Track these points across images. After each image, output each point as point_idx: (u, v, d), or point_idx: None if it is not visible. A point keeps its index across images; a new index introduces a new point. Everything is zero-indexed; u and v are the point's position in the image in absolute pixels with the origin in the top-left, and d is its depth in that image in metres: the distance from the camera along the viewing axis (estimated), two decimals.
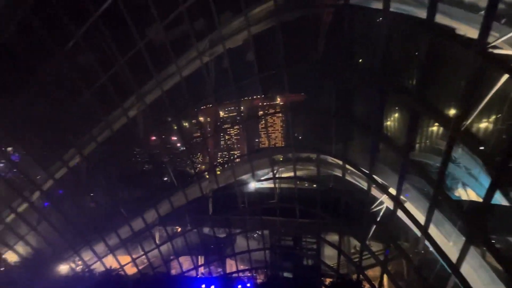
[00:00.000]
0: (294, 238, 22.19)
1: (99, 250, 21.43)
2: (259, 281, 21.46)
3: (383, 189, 13.62)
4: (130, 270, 22.18)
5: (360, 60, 15.31)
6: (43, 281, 18.95)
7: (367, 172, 13.72)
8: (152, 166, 25.03)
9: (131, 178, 24.54)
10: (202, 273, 23.22)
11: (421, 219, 11.61)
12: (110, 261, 21.65)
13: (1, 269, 19.25)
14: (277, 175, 19.44)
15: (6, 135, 18.12)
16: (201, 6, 14.57)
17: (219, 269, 23.74)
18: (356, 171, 14.81)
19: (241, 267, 23.36)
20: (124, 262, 21.98)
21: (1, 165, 19.89)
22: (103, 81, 16.64)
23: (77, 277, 20.73)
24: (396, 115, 19.32)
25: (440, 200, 10.40)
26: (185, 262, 23.65)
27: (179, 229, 23.13)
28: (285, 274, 22.32)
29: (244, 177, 20.07)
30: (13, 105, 17.24)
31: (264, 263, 22.07)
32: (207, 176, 21.11)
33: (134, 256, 21.89)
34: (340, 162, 15.54)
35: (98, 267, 21.51)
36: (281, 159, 19.76)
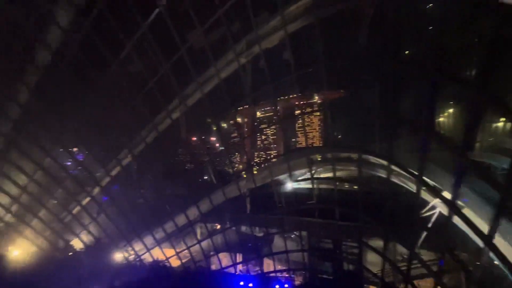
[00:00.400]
0: (333, 241, 21.34)
1: (148, 242, 23.32)
2: (297, 282, 21.13)
3: (436, 193, 12.33)
4: (174, 262, 23.73)
5: (407, 52, 14.09)
6: (102, 266, 21.34)
7: (417, 173, 12.54)
8: (193, 165, 26.36)
9: (174, 176, 26.20)
10: (240, 270, 23.73)
11: (484, 227, 10.22)
12: (157, 253, 23.43)
13: (70, 253, 22.12)
14: (315, 176, 18.93)
15: (73, 138, 20.79)
16: (237, 9, 14.91)
17: (257, 268, 23.98)
18: (403, 172, 13.65)
19: (279, 267, 23.27)
20: (169, 255, 23.59)
21: (69, 163, 22.86)
22: (150, 86, 18.05)
23: (130, 265, 22.93)
24: (451, 110, 17.27)
25: (509, 207, 9.02)
26: (224, 259, 24.42)
27: (219, 227, 23.97)
28: (324, 278, 21.62)
29: (281, 177, 19.97)
30: (77, 112, 19.69)
31: (302, 264, 21.67)
32: (245, 176, 21.51)
33: (177, 250, 23.34)
34: (385, 163, 14.48)
35: (147, 257, 23.46)
36: (319, 159, 19.21)
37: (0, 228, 23.64)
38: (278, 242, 22.87)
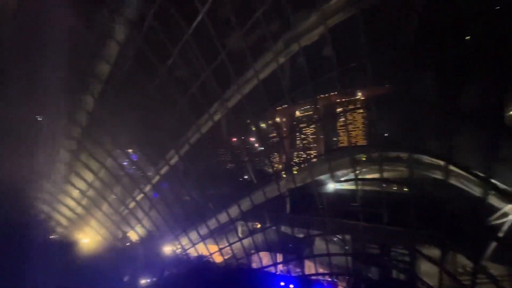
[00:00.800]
0: (381, 246, 19.91)
1: (193, 237, 24.75)
2: (340, 287, 20.26)
3: (508, 198, 10.65)
4: (217, 258, 24.75)
5: (468, 37, 12.44)
6: (153, 257, 23.33)
7: (483, 175, 11.00)
8: (234, 165, 27.10)
9: (216, 176, 27.30)
10: (281, 271, 23.66)
11: None
12: (201, 248, 24.71)
13: (127, 244, 24.65)
14: (359, 176, 17.91)
15: (128, 140, 23.12)
16: (275, 8, 14.89)
17: (298, 269, 23.63)
18: (465, 174, 12.09)
19: (321, 270, 22.57)
20: (212, 251, 24.67)
21: (125, 163, 25.46)
22: (193, 90, 19.13)
23: (177, 258, 24.64)
24: None
25: None
26: (265, 258, 24.61)
27: (259, 225, 24.26)
28: (371, 285, 20.31)
29: (322, 177, 19.35)
30: (131, 117, 21.81)
31: (346, 269, 20.70)
32: (284, 176, 21.38)
33: (220, 246, 24.29)
34: (442, 163, 13.02)
35: (192, 252, 24.92)
36: (363, 158, 18.13)
37: (73, 218, 27.47)
38: (319, 244, 22.20)
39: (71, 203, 26.65)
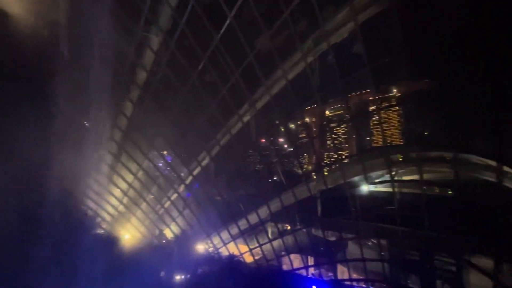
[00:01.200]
0: (422, 254, 18.49)
1: (224, 236, 25.32)
2: None
3: None
4: (248, 258, 25.00)
5: None
6: (187, 254, 24.32)
7: None
8: (263, 166, 27.19)
9: (246, 177, 27.64)
10: (312, 274, 23.16)
11: None
12: (232, 248, 25.17)
13: (163, 241, 26.03)
14: (396, 178, 16.87)
15: (163, 142, 24.45)
16: (302, 7, 14.70)
17: (330, 273, 22.93)
18: None
19: (354, 275, 21.63)
20: (243, 251, 24.99)
21: (161, 164, 26.94)
22: (223, 93, 19.62)
23: (209, 256, 25.40)
24: None
25: None
26: (295, 260, 24.27)
27: (289, 227, 24.03)
28: None
29: (355, 178, 18.58)
30: (165, 120, 23.01)
31: (382, 276, 19.58)
32: (314, 177, 20.92)
33: (251, 247, 24.51)
34: (493, 163, 11.74)
35: (223, 251, 25.50)
36: (400, 159, 17.05)
37: (115, 215, 29.77)
38: (353, 249, 21.32)
39: (114, 202, 28.90)
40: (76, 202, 23.40)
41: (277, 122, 21.00)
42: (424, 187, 15.60)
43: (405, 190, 18.08)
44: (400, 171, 17.18)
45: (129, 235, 29.07)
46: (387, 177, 17.10)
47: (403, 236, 17.86)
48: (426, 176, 15.28)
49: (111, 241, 24.78)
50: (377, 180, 18.59)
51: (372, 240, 21.44)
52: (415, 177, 15.87)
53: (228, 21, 16.44)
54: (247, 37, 17.07)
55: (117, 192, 27.99)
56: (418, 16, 12.96)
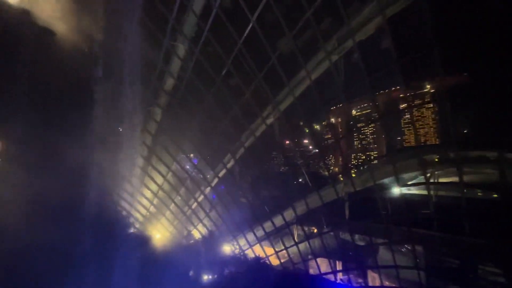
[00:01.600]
0: (463, 262, 17.02)
1: (250, 238, 25.46)
2: None
3: None
4: (274, 261, 24.86)
5: None
6: (214, 255, 24.81)
7: None
8: (288, 168, 26.99)
9: (271, 179, 27.63)
10: (340, 279, 22.39)
11: None
12: (258, 250, 25.20)
13: (191, 241, 26.83)
14: (431, 180, 15.78)
15: (190, 145, 25.32)
16: (326, 5, 14.40)
17: (360, 280, 21.98)
18: None
19: (387, 283, 20.51)
20: (269, 253, 24.90)
21: (188, 167, 27.85)
22: (246, 96, 19.84)
23: (236, 258, 25.67)
24: None
25: None
26: (323, 264, 23.64)
27: (315, 230, 23.51)
28: None
29: (386, 180, 17.69)
30: (192, 124, 23.83)
31: (418, 285, 18.35)
32: (342, 179, 20.28)
33: (276, 249, 24.35)
34: None
35: (249, 253, 25.62)
36: (436, 160, 15.93)
37: (147, 216, 31.30)
38: (384, 254, 20.25)
39: (145, 203, 30.43)
40: (112, 203, 25.01)
41: (301, 123, 20.74)
42: (465, 190, 14.37)
43: (442, 193, 16.85)
44: (436, 172, 16.04)
45: (160, 234, 30.38)
46: (421, 179, 16.07)
47: (441, 243, 16.61)
48: (466, 178, 14.09)
49: (143, 240, 26.08)
50: (410, 182, 17.55)
51: (406, 246, 20.22)
52: (453, 179, 14.72)
53: (250, 25, 16.62)
54: (269, 39, 17.12)
55: (148, 193, 29.43)
56: (452, 8, 12.07)
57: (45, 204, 14.45)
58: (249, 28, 16.84)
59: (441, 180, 16.23)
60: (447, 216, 16.21)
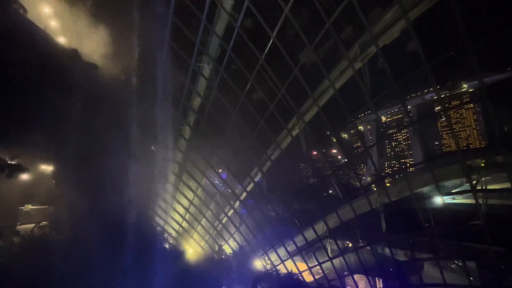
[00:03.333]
0: None
1: (281, 253, 24.82)
2: None
3: None
4: (307, 277, 23.81)
5: None
6: (245, 270, 24.49)
7: None
8: (317, 179, 26.29)
9: (300, 191, 27.08)
10: None
11: None
12: (290, 266, 24.39)
13: (223, 256, 26.85)
14: (478, 187, 14.32)
15: (218, 161, 25.97)
16: (346, 14, 14.36)
17: None
18: None
19: None
20: (302, 269, 23.97)
21: (217, 181, 28.40)
22: (271, 109, 20.06)
23: (267, 274, 25.05)
24: None
25: None
26: (361, 281, 22.16)
27: (350, 245, 22.27)
28: None
29: (425, 189, 16.43)
30: (219, 140, 24.55)
31: None
32: (375, 189, 19.23)
33: (310, 265, 23.37)
34: None
35: (281, 268, 24.89)
36: (482, 165, 14.51)
37: (179, 231, 32.15)
38: (430, 271, 18.51)
39: (178, 218, 31.39)
40: (148, 219, 26.21)
41: (328, 133, 20.30)
42: None
43: (493, 201, 15.16)
44: (483, 179, 14.55)
45: (192, 249, 30.90)
46: (466, 186, 14.67)
47: (497, 257, 14.76)
48: None
49: (176, 255, 26.70)
50: (454, 191, 16.12)
51: (456, 261, 18.30)
52: (505, 185, 13.22)
53: (271, 41, 17.08)
54: (290, 53, 17.39)
55: (180, 209, 30.38)
56: (474, 8, 11.34)
57: (93, 221, 15.73)
58: (270, 43, 17.30)
59: (490, 187, 14.63)
60: (502, 227, 14.50)
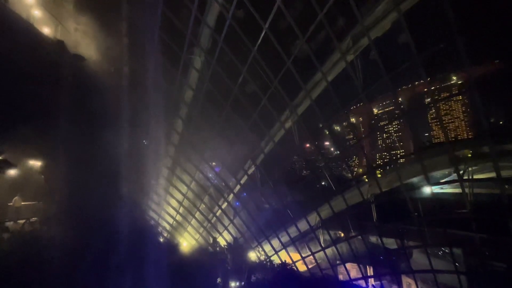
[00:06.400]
0: (510, 265, 15.61)
1: (275, 244, 25.24)
2: None
3: None
4: (301, 267, 24.36)
5: None
6: (240, 262, 24.83)
7: None
8: (309, 171, 26.59)
9: (293, 183, 27.33)
10: (372, 285, 21.41)
11: None
12: (284, 256, 24.86)
13: (217, 249, 27.08)
14: (465, 177, 14.79)
15: (211, 154, 25.89)
16: (338, 6, 14.30)
17: (393, 286, 20.88)
18: None
19: None
20: (295, 259, 24.48)
21: (211, 175, 28.39)
22: (263, 102, 20.01)
23: (261, 265, 25.48)
24: None
25: None
26: (352, 270, 22.79)
27: (342, 234, 22.80)
28: None
29: (414, 179, 16.85)
30: (212, 133, 24.40)
31: None
32: (366, 180, 19.61)
33: (303, 255, 23.88)
34: None
35: (275, 259, 25.34)
36: (469, 155, 14.95)
37: (173, 224, 32.18)
38: (419, 258, 19.16)
39: (172, 212, 31.37)
40: (141, 213, 26.09)
41: (320, 125, 20.45)
42: (506, 186, 13.29)
43: (479, 190, 15.68)
44: (470, 169, 15.01)
45: (187, 242, 31.04)
46: (454, 176, 15.12)
47: (482, 244, 15.40)
48: (505, 172, 13.05)
49: (171, 249, 26.78)
50: (442, 181, 16.57)
51: (443, 248, 18.98)
52: (490, 174, 13.68)
53: (263, 32, 16.89)
54: (283, 44, 17.26)
55: (173, 202, 30.33)
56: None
57: (84, 216, 15.58)
58: (262, 35, 17.11)
59: (477, 176, 15.12)
60: (487, 215, 15.07)
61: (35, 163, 17.76)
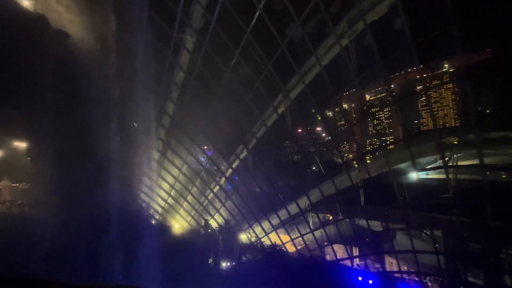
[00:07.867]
0: (485, 246, 16.61)
1: (265, 226, 25.91)
2: None
3: None
4: (290, 248, 25.26)
5: None
6: (231, 244, 25.54)
7: None
8: (301, 156, 26.89)
9: (284, 168, 27.68)
10: (357, 265, 22.52)
11: None
12: (274, 238, 25.65)
13: (209, 230, 27.66)
14: (450, 163, 15.30)
15: (203, 138, 25.70)
16: None
17: (377, 265, 22.04)
18: None
19: (405, 268, 20.47)
20: (285, 241, 25.30)
21: (202, 159, 28.34)
22: (257, 86, 19.71)
23: (252, 246, 26.28)
24: None
25: None
26: (339, 251, 23.81)
27: (331, 217, 23.58)
28: None
29: (402, 165, 17.33)
30: (205, 117, 24.08)
31: (437, 269, 18.20)
32: (356, 165, 20.05)
33: (292, 237, 24.69)
34: None
35: (265, 240, 26.13)
36: (455, 142, 15.39)
37: (165, 207, 32.43)
38: (402, 240, 20.11)
39: (164, 195, 31.48)
40: (133, 196, 26.06)
41: (313, 110, 20.45)
42: (488, 172, 13.86)
43: (462, 176, 16.31)
44: (455, 155, 15.51)
45: (178, 224, 31.50)
46: (439, 162, 15.62)
47: (461, 227, 16.26)
48: (488, 160, 13.57)
49: (163, 231, 27.14)
50: (428, 167, 17.10)
51: (424, 231, 19.94)
52: (474, 161, 14.20)
53: (257, 13, 16.33)
54: (277, 27, 16.80)
55: (165, 185, 30.36)
56: None
57: (74, 199, 15.43)
58: (256, 16, 16.56)
59: (461, 163, 15.67)
60: (468, 200, 15.78)
61: (20, 145, 17.27)
